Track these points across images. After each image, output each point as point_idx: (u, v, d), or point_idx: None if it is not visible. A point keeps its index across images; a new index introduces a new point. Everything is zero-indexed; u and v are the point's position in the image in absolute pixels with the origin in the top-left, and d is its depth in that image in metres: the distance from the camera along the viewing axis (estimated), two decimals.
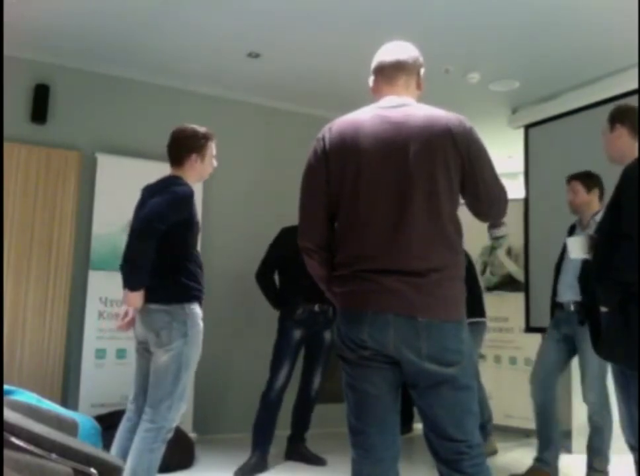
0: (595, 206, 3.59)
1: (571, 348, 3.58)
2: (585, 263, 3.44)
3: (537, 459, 3.60)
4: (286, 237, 4.06)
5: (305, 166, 1.93)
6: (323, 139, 1.90)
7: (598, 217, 3.53)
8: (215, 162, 2.89)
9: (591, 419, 3.49)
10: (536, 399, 3.63)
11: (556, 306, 3.70)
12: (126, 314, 2.69)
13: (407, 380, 1.81)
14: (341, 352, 1.85)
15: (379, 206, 1.79)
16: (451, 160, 1.78)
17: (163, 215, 2.55)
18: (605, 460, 3.48)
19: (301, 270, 4.03)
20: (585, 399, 3.51)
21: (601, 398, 3.47)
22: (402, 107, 1.85)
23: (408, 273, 1.73)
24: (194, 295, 2.69)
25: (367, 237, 1.79)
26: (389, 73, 1.93)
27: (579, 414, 3.64)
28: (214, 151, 2.86)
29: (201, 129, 2.82)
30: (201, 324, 2.70)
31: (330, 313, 4.04)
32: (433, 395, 1.76)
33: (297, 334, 3.94)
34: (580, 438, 3.69)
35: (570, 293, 3.54)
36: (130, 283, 2.57)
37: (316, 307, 3.97)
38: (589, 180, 3.62)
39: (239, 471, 3.68)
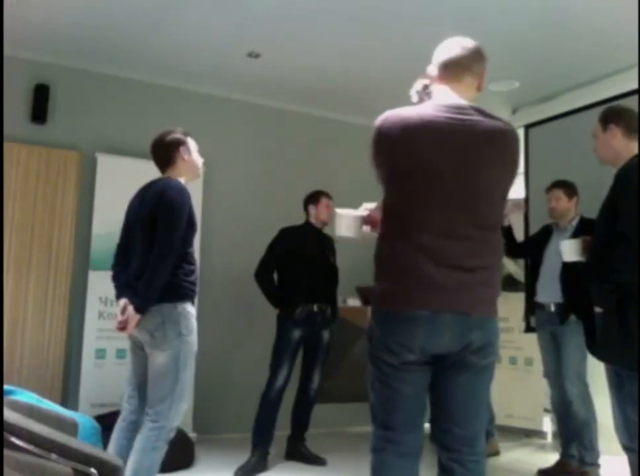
0: (573, 212, 3.85)
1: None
2: (565, 264, 3.52)
3: (563, 455, 3.80)
4: (285, 237, 4.06)
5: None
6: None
7: (575, 222, 3.78)
8: (200, 157, 2.89)
9: (577, 414, 3.63)
10: (554, 400, 3.86)
11: (536, 306, 3.91)
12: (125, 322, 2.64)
13: (439, 366, 1.80)
14: (380, 354, 1.81)
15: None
16: (511, 171, 1.87)
17: (181, 235, 2.60)
18: (596, 453, 3.61)
19: (300, 269, 4.06)
20: (569, 395, 3.64)
21: (585, 394, 3.63)
22: (470, 110, 1.84)
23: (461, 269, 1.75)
24: (185, 294, 2.64)
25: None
26: (457, 71, 1.92)
27: (601, 415, 3.71)
28: (196, 146, 2.88)
29: (176, 129, 2.86)
30: (194, 322, 2.66)
31: (329, 313, 4.05)
32: (460, 381, 1.78)
33: (296, 334, 3.94)
34: (602, 439, 3.74)
35: (550, 294, 3.72)
36: (144, 307, 2.55)
37: (315, 307, 3.98)
38: (570, 188, 3.85)
39: (239, 471, 3.69)
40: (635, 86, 4.16)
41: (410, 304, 1.73)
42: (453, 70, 1.92)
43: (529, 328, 4.93)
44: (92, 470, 1.71)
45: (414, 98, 1.99)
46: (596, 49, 4.14)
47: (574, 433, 3.72)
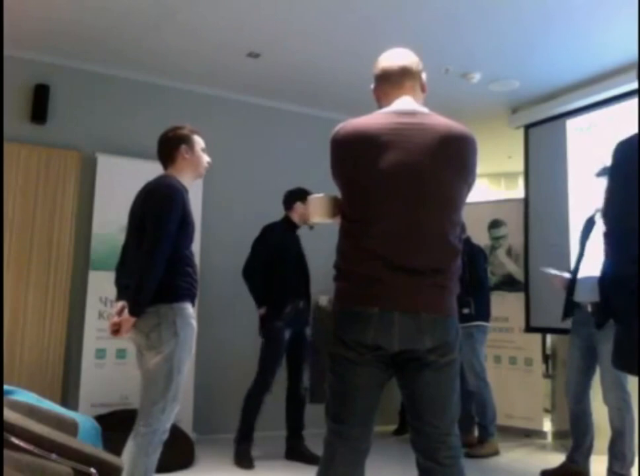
0: None
1: (594, 351, 3.52)
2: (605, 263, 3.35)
3: (569, 458, 3.70)
4: (269, 234, 4.06)
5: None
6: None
7: None
8: (207, 157, 2.83)
9: (612, 422, 3.42)
10: (571, 408, 3.68)
11: (573, 305, 3.64)
12: (119, 324, 2.57)
13: (402, 367, 1.83)
14: (337, 348, 1.85)
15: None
16: (465, 171, 1.85)
17: (170, 234, 2.52)
18: (627, 464, 3.41)
19: (287, 267, 4.05)
20: (605, 401, 3.45)
21: (621, 401, 3.40)
22: (420, 114, 1.87)
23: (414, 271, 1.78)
24: (183, 294, 2.56)
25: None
26: (396, 79, 1.96)
27: (597, 416, 3.65)
28: (202, 145, 2.81)
29: (185, 126, 2.82)
30: (193, 323, 2.58)
31: (308, 309, 4.08)
32: (424, 379, 1.80)
33: (287, 334, 3.95)
34: (599, 439, 3.69)
35: (588, 293, 3.48)
36: (137, 310, 2.48)
37: (301, 304, 3.99)
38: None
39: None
40: (635, 86, 4.16)
41: (361, 303, 1.79)
42: (391, 79, 1.97)
43: (529, 328, 4.94)
44: (92, 470, 1.71)
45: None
46: (595, 49, 4.14)
47: (585, 440, 3.61)
